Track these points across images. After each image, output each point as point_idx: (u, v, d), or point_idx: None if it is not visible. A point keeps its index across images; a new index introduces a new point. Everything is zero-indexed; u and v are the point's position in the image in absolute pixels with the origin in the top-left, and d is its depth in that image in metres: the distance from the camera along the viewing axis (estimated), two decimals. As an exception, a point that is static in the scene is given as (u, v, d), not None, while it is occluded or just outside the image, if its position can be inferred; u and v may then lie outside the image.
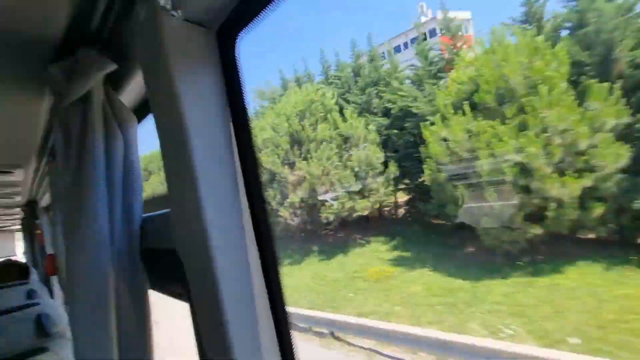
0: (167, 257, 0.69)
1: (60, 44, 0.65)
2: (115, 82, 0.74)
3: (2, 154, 1.30)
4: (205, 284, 0.46)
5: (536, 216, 7.25)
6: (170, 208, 0.56)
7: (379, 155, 10.84)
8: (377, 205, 11.25)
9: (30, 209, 3.01)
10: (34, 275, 2.33)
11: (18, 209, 3.17)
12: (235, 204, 0.50)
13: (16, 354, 0.91)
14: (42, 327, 1.09)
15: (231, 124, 0.52)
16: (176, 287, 0.61)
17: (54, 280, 2.25)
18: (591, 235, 7.48)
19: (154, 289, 0.71)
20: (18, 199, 2.38)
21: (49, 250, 1.94)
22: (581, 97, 7.00)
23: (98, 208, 0.64)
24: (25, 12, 0.55)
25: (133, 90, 0.79)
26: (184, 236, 0.52)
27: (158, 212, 0.67)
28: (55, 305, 1.54)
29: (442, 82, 10.56)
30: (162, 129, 0.54)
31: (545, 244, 7.59)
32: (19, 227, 4.49)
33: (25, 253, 3.87)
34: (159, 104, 0.54)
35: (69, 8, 0.56)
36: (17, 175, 1.58)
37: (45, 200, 2.06)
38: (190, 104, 0.47)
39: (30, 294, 1.48)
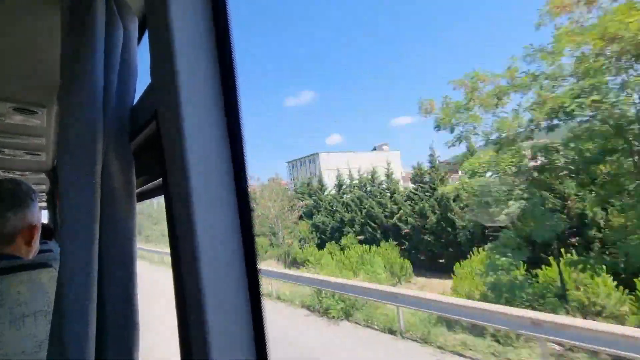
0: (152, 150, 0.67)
1: None
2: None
3: (24, 88, 1.34)
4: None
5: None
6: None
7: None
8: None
9: (55, 175, 3.14)
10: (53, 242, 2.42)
11: (43, 176, 3.30)
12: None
13: (19, 265, 0.92)
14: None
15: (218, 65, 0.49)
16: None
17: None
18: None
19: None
20: (43, 157, 2.46)
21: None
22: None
23: (95, 91, 0.63)
24: None
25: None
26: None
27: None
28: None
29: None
30: (155, 49, 0.52)
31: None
32: (44, 204, 4.68)
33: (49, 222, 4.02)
34: (155, 22, 0.51)
35: None
36: (41, 119, 1.63)
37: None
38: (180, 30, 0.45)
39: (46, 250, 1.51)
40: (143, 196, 0.87)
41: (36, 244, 1.05)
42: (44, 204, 4.66)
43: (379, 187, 19.60)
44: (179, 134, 0.44)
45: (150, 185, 0.78)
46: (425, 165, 16.95)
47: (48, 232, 2.65)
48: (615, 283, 7.36)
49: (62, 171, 0.60)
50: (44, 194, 4.38)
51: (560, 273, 8.17)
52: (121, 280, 0.63)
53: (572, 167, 8.28)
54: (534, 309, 7.08)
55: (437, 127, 10.03)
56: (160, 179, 0.70)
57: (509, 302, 7.54)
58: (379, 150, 46.99)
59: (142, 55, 0.78)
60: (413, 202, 16.15)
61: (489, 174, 9.68)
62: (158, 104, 0.53)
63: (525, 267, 8.84)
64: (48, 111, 1.55)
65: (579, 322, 5.08)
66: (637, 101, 7.33)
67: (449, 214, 14.11)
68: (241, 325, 0.44)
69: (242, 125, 0.50)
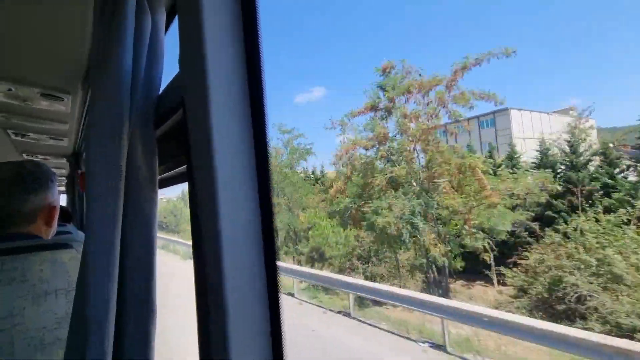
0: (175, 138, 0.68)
1: None
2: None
3: (51, 74, 1.38)
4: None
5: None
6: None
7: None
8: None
9: (75, 160, 3.22)
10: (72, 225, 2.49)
11: (64, 161, 3.40)
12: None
13: (41, 244, 0.95)
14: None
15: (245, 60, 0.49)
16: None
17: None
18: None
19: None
20: (65, 143, 2.53)
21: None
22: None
23: (123, 78, 0.64)
24: None
25: None
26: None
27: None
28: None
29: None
30: (184, 38, 0.52)
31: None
32: (63, 188, 4.82)
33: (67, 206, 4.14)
34: (185, 12, 0.51)
35: None
36: (66, 105, 1.67)
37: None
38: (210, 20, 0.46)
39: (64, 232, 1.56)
40: (164, 183, 0.89)
41: (55, 225, 1.08)
42: (63, 188, 4.80)
43: None
44: (206, 122, 0.45)
45: (172, 172, 0.79)
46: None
47: (66, 215, 2.73)
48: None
49: (88, 154, 0.62)
50: (63, 177, 4.51)
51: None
52: (141, 264, 0.64)
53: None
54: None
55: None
56: (182, 167, 0.71)
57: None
58: (560, 114, 34.21)
59: (168, 45, 0.79)
60: None
61: None
62: (185, 92, 0.53)
63: None
64: (73, 98, 1.59)
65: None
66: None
67: None
68: (260, 323, 0.44)
69: (267, 116, 0.50)
